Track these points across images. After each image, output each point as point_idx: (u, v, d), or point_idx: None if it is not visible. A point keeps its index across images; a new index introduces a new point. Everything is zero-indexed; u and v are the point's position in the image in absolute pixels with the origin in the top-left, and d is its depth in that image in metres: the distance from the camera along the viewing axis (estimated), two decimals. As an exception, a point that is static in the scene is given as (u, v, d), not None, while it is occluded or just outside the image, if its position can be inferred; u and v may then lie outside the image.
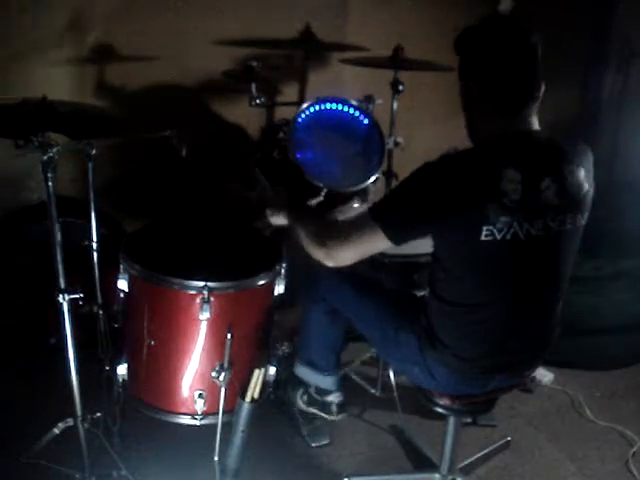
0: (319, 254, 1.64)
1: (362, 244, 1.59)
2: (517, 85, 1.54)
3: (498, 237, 1.49)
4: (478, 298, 1.61)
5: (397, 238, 1.55)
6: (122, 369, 2.01)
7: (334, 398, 2.14)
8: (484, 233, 1.48)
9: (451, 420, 1.91)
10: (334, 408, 2.15)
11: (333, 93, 2.55)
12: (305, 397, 2.20)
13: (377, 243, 1.57)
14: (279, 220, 1.85)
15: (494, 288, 1.60)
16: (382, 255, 2.15)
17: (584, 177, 1.58)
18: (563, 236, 1.58)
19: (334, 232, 1.64)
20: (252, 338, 1.98)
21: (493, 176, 1.47)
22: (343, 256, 1.62)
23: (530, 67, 1.54)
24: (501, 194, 1.47)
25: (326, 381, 2.11)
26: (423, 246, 1.69)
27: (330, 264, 1.64)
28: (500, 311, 1.61)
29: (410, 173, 1.56)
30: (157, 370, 1.96)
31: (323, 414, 2.16)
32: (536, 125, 1.58)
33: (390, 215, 1.56)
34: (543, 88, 1.58)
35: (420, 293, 1.99)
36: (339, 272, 1.93)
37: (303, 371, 2.12)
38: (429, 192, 1.51)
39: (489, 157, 1.52)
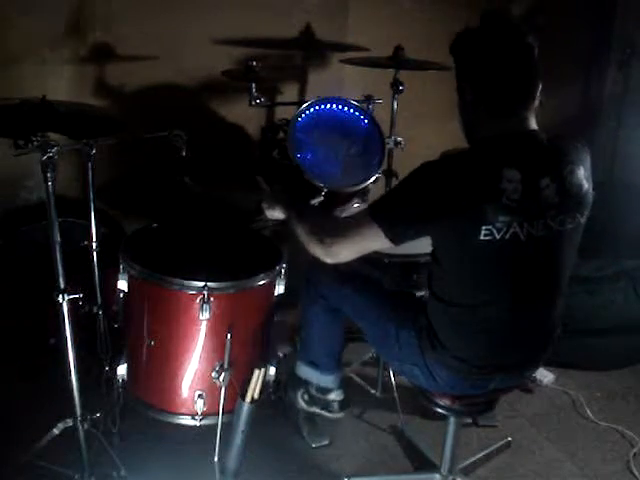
0: (317, 250, 1.64)
1: (360, 242, 1.60)
2: (510, 88, 1.54)
3: (497, 237, 1.48)
4: (477, 298, 1.60)
5: (396, 238, 1.55)
6: (122, 369, 2.01)
7: (335, 396, 2.13)
8: (483, 232, 1.48)
9: (451, 420, 1.91)
10: (335, 406, 2.14)
11: (333, 93, 2.55)
12: (306, 396, 2.19)
13: (376, 242, 1.57)
14: (275, 214, 1.85)
15: (493, 288, 1.60)
16: (382, 255, 2.15)
17: (583, 176, 1.58)
18: (564, 235, 1.58)
19: (333, 229, 1.65)
20: (252, 338, 1.98)
21: (493, 176, 1.48)
22: (341, 253, 1.62)
23: (525, 69, 1.54)
24: (500, 193, 1.47)
25: (327, 379, 2.10)
26: (423, 246, 1.69)
27: (328, 260, 1.64)
28: (499, 311, 1.61)
29: (409, 172, 1.56)
30: (157, 370, 1.96)
31: (325, 412, 2.15)
32: (533, 125, 1.58)
33: (389, 215, 1.56)
34: (540, 88, 1.57)
35: (420, 293, 1.98)
36: (340, 272, 1.93)
37: (304, 370, 2.11)
38: (428, 192, 1.51)
39: (489, 157, 1.53)
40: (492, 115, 1.56)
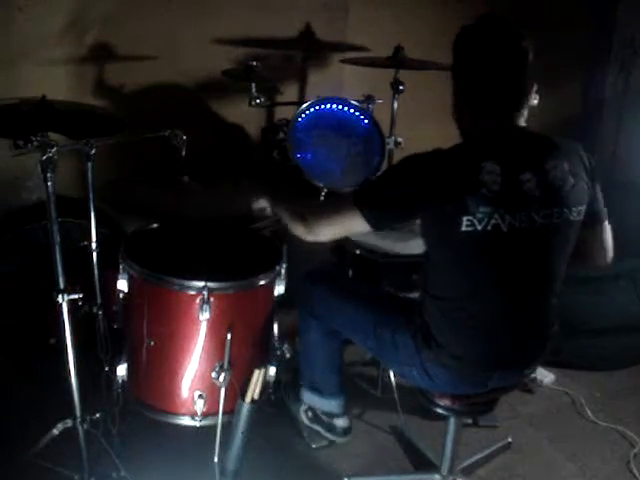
0: (299, 228, 1.68)
1: (341, 223, 1.64)
2: (500, 89, 1.56)
3: (479, 227, 1.50)
4: (465, 292, 1.62)
5: (374, 222, 1.58)
6: (122, 369, 2.00)
7: (341, 423, 2.15)
8: (465, 223, 1.49)
9: (452, 421, 1.91)
10: (339, 431, 2.16)
11: (333, 93, 2.55)
12: (310, 414, 2.20)
13: (356, 224, 1.60)
14: (260, 205, 1.88)
15: (480, 281, 1.61)
16: (381, 255, 2.15)
17: (569, 171, 1.57)
18: (551, 230, 1.58)
19: (316, 208, 1.71)
20: (252, 338, 1.98)
21: (473, 168, 1.50)
22: (322, 232, 1.67)
23: (516, 72, 1.55)
24: (480, 185, 1.49)
25: (332, 404, 2.12)
26: (423, 247, 1.69)
27: (310, 238, 1.68)
28: (489, 306, 1.62)
29: (396, 162, 1.60)
30: (157, 371, 1.96)
31: (327, 434, 2.17)
32: (521, 124, 1.59)
33: (369, 199, 1.59)
34: (535, 88, 1.59)
35: (416, 295, 1.99)
36: (330, 283, 1.96)
37: (309, 397, 2.14)
38: (409, 180, 1.55)
39: (471, 150, 1.56)
40: (476, 114, 1.59)
